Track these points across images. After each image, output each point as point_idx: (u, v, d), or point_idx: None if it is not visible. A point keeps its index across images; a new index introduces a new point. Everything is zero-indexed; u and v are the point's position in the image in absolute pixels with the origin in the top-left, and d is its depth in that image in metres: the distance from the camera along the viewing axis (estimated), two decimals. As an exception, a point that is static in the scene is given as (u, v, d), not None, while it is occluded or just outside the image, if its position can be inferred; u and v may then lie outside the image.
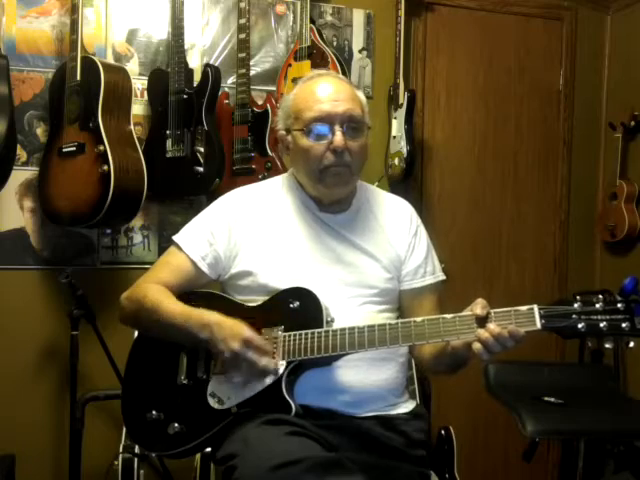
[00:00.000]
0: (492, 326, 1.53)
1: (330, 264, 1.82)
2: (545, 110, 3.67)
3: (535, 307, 1.51)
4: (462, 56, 3.53)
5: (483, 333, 1.54)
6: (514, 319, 1.52)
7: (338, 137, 1.74)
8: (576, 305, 1.47)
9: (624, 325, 1.44)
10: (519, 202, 3.65)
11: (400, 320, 1.67)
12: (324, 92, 1.79)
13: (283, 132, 1.86)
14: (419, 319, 1.62)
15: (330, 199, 1.85)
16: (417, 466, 1.75)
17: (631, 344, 1.45)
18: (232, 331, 1.65)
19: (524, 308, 1.52)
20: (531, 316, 1.50)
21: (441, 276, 1.95)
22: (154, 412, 1.78)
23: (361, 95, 1.86)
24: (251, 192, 1.93)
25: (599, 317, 1.45)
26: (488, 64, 3.57)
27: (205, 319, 1.70)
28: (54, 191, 2.76)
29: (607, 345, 1.47)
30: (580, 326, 1.46)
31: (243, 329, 1.66)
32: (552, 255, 3.70)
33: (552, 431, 2.72)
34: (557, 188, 3.70)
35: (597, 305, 1.46)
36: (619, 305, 1.45)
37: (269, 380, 1.67)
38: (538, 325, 1.50)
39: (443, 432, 2.96)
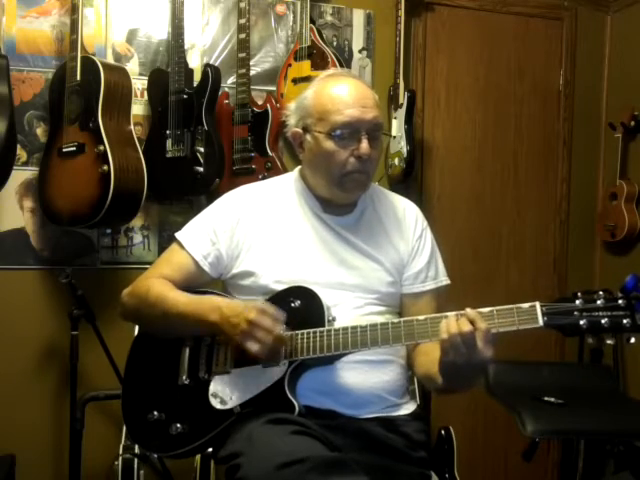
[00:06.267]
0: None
1: (332, 267, 1.81)
2: (545, 110, 3.66)
3: (537, 304, 1.51)
4: (462, 56, 3.52)
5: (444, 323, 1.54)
6: (516, 316, 1.52)
7: (365, 145, 1.73)
8: (578, 302, 1.48)
9: (625, 321, 1.44)
10: (519, 202, 3.64)
11: (402, 319, 1.66)
12: (352, 95, 1.75)
13: (299, 130, 1.83)
14: (421, 317, 1.61)
15: (342, 202, 1.85)
16: (419, 467, 1.75)
17: (632, 340, 1.45)
18: (246, 305, 1.65)
19: (526, 305, 1.52)
20: (533, 313, 1.50)
21: (444, 281, 1.93)
22: (155, 413, 1.77)
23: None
24: (255, 191, 1.92)
25: (600, 314, 1.46)
26: (488, 64, 3.56)
27: (215, 302, 1.72)
28: (54, 191, 2.76)
29: (608, 341, 1.47)
30: (582, 323, 1.46)
31: (256, 302, 1.67)
32: (552, 255, 3.70)
33: (552, 431, 2.71)
34: (557, 188, 3.69)
35: (598, 302, 1.47)
36: (620, 302, 1.46)
37: (281, 364, 1.67)
38: (540, 322, 1.50)
39: (443, 432, 2.96)
